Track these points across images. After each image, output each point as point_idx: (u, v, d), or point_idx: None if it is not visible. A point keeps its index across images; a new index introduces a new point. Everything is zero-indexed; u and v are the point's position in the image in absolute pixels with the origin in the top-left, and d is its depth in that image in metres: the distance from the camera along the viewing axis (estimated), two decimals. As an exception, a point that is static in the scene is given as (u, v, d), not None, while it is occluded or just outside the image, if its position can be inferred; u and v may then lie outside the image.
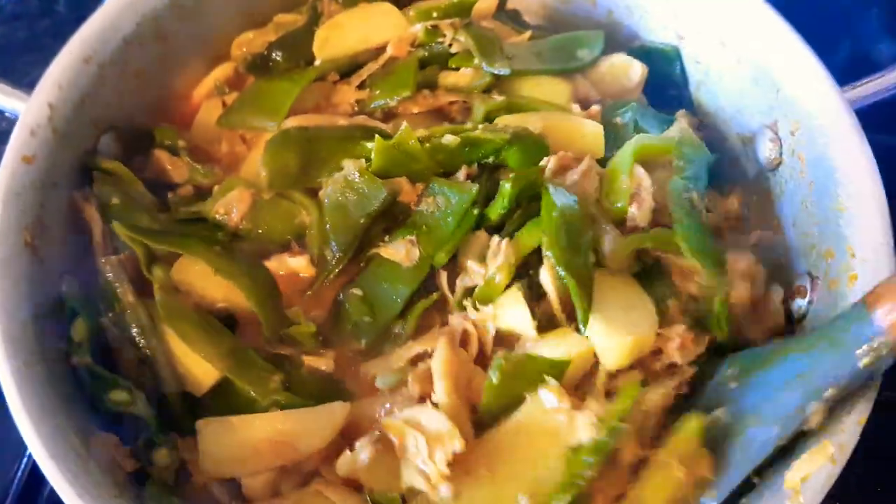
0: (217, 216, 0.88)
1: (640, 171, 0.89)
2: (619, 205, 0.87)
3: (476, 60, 0.99)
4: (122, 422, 0.80)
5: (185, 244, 0.85)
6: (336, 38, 1.03)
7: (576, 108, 0.99)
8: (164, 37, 1.01)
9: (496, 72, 0.98)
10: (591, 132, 0.94)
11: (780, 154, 0.97)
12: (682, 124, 0.99)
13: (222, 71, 1.07)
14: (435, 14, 1.02)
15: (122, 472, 0.77)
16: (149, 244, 0.85)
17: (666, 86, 1.09)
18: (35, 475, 0.97)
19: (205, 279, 0.85)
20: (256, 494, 0.78)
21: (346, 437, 0.79)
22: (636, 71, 1.06)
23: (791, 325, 0.89)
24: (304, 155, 0.91)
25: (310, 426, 0.78)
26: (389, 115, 1.00)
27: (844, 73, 0.93)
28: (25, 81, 0.93)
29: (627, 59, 1.06)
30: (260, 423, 0.78)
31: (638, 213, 0.87)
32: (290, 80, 1.00)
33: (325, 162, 0.92)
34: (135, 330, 0.82)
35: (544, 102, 0.99)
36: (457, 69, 1.01)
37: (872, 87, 0.93)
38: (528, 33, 1.08)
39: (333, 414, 0.79)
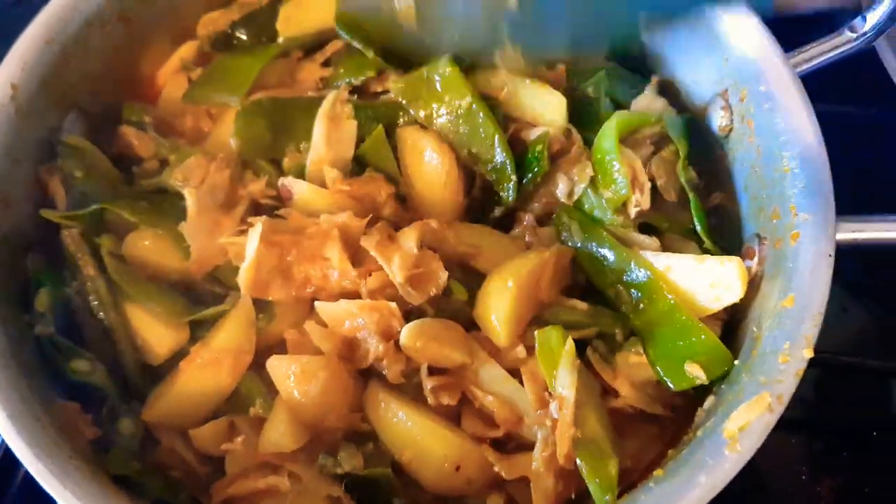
0: (176, 183, 0.90)
1: (629, 153, 0.91)
2: (622, 192, 0.89)
3: None
4: (85, 391, 0.83)
5: (135, 209, 0.87)
6: (299, 16, 1.05)
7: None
8: (128, 18, 1.03)
9: None
10: (552, 101, 0.95)
11: (731, 121, 0.99)
12: (652, 93, 1.01)
13: (187, 49, 1.09)
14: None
15: (83, 439, 0.79)
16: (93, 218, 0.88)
17: (625, 58, 1.10)
18: (8, 458, 0.98)
19: (156, 251, 0.87)
20: (206, 446, 0.81)
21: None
22: None
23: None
24: (274, 124, 0.94)
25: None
26: (354, 93, 1.02)
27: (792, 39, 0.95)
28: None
29: None
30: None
31: (642, 197, 0.90)
32: (252, 56, 1.02)
33: (293, 133, 0.94)
34: (94, 301, 0.84)
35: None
36: None
37: (817, 51, 0.95)
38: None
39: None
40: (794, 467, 1.09)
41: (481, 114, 0.91)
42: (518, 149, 0.94)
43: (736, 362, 0.83)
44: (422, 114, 0.94)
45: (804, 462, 1.08)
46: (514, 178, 0.91)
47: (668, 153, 0.96)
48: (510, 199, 0.92)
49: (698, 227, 0.92)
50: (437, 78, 0.93)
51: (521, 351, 0.85)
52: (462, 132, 0.93)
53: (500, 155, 0.91)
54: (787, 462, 1.09)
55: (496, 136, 0.91)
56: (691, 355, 0.83)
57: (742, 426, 0.72)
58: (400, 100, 0.94)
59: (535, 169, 0.91)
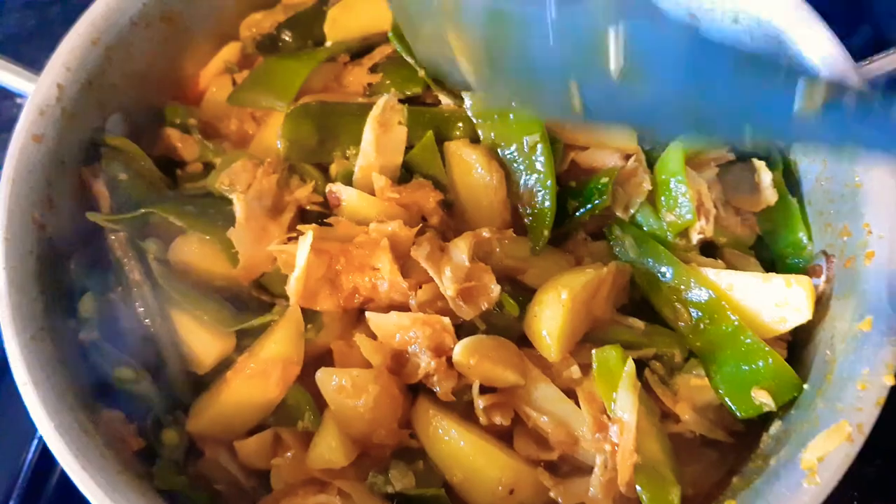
0: (222, 188, 0.88)
1: (695, 176, 0.88)
2: (686, 217, 0.86)
3: None
4: (129, 401, 0.80)
5: (182, 214, 0.85)
6: (347, 19, 1.03)
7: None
8: (171, 18, 1.01)
9: None
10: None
11: (794, 132, 0.95)
12: None
13: (230, 51, 1.07)
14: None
15: (128, 450, 0.77)
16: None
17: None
18: (45, 459, 0.97)
19: (203, 257, 0.85)
20: (252, 460, 0.78)
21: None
22: None
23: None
24: (321, 129, 0.92)
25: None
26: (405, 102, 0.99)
27: (863, 54, 0.91)
28: (37, 67, 0.93)
29: None
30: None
31: (706, 225, 0.86)
32: (299, 60, 0.99)
33: (340, 138, 0.92)
34: (140, 307, 0.82)
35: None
36: None
37: (888, 62, 0.91)
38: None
39: None
40: (845, 492, 1.05)
41: (543, 158, 0.88)
42: (573, 175, 0.91)
43: (806, 387, 0.79)
44: (489, 134, 0.91)
45: (856, 487, 1.04)
46: (547, 232, 0.87)
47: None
48: (536, 250, 0.88)
49: (802, 235, 0.89)
50: (514, 104, 0.89)
51: (575, 370, 0.82)
52: (517, 166, 0.89)
53: (545, 201, 0.88)
54: (837, 486, 1.05)
55: (549, 182, 0.87)
56: (758, 380, 0.79)
57: (821, 457, 0.68)
58: (469, 113, 0.91)
59: (596, 201, 0.87)
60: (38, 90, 0.86)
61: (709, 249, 0.91)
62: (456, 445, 0.79)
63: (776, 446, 0.76)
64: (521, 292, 0.87)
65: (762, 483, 0.71)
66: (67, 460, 0.68)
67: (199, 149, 0.96)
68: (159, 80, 1.02)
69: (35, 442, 0.98)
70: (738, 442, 0.84)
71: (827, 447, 0.69)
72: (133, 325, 0.83)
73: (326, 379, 0.79)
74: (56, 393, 0.72)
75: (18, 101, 0.96)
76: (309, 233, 0.81)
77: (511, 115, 0.89)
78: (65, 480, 0.68)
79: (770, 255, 0.94)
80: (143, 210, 0.85)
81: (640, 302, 0.90)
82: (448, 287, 0.81)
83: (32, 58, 1.10)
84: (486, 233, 0.85)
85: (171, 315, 0.83)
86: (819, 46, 0.89)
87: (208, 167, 0.95)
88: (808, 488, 0.67)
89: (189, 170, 0.96)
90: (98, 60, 0.92)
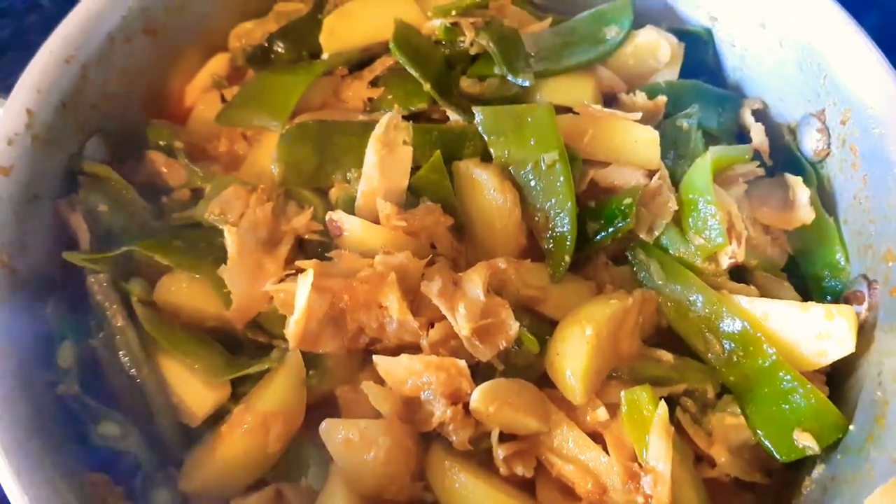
0: (212, 218, 0.80)
1: (725, 196, 0.82)
2: (717, 240, 0.79)
3: (498, 69, 0.89)
4: (115, 460, 0.74)
5: (168, 251, 0.78)
6: (345, 29, 0.95)
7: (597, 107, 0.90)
8: (154, 30, 0.93)
9: (520, 83, 0.89)
10: (644, 138, 0.84)
11: (829, 145, 0.88)
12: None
13: (218, 63, 0.99)
14: (454, 12, 0.93)
15: (114, 518, 0.70)
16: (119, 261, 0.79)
17: (697, 72, 1.00)
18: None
19: (192, 297, 0.78)
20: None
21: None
22: (665, 50, 0.95)
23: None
24: (320, 150, 0.85)
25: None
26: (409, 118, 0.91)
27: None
28: (10, 81, 0.85)
29: (654, 35, 0.95)
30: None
31: (738, 249, 0.80)
32: (295, 75, 0.92)
33: (341, 160, 0.85)
34: (124, 356, 0.75)
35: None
36: (482, 79, 0.91)
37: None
38: (548, 19, 0.99)
39: None
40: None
41: (562, 177, 0.81)
42: (592, 195, 0.85)
43: (852, 427, 0.73)
44: (503, 152, 0.83)
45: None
46: (568, 258, 0.81)
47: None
48: (556, 277, 0.81)
49: (840, 256, 0.84)
50: (529, 119, 0.82)
51: (602, 413, 0.75)
52: (533, 186, 0.82)
53: (565, 225, 0.81)
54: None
55: (568, 204, 0.80)
56: (800, 421, 0.73)
57: (881, 512, 0.62)
58: (479, 129, 0.84)
59: (619, 224, 0.81)
60: (5, 117, 0.79)
61: (738, 272, 0.85)
62: (475, 500, 0.72)
63: (823, 496, 0.70)
64: (540, 324, 0.80)
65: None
66: (46, 540, 0.61)
67: (187, 174, 0.89)
68: (142, 97, 0.95)
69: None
70: (777, 484, 0.78)
71: (887, 503, 0.63)
72: (117, 376, 0.75)
73: (332, 431, 0.72)
74: (32, 461, 0.65)
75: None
76: (310, 271, 0.74)
77: (528, 127, 0.82)
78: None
79: (801, 276, 0.88)
80: (125, 248, 0.77)
81: (666, 330, 0.83)
82: (463, 326, 0.74)
83: (7, 71, 1.03)
84: (502, 263, 0.79)
85: (159, 363, 0.76)
86: (856, 55, 0.83)
87: (196, 193, 0.88)
88: (869, 552, 0.61)
89: (176, 197, 0.88)
90: (73, 80, 0.84)
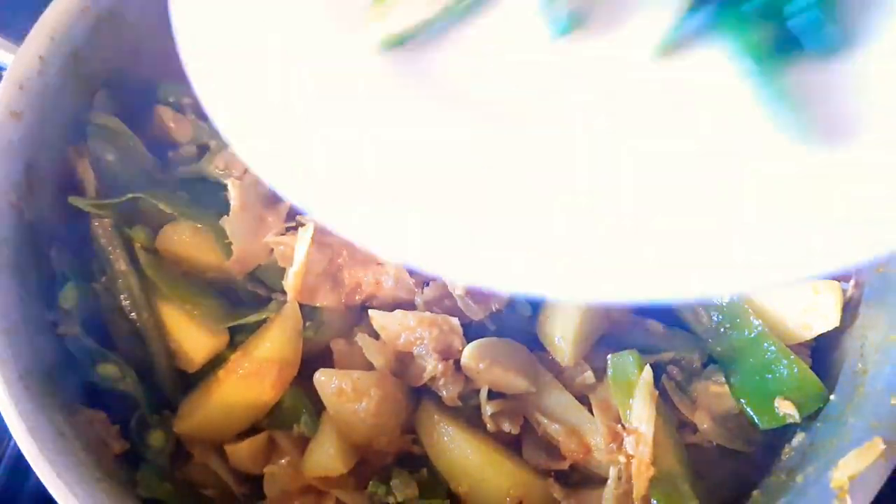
0: (217, 172, 0.82)
1: None
2: None
3: None
4: (113, 400, 0.75)
5: (172, 200, 0.79)
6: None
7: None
8: (168, -17, 0.94)
9: None
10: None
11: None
12: None
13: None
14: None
15: (109, 454, 0.72)
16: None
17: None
18: (21, 463, 0.91)
19: (194, 246, 0.79)
20: (244, 464, 0.74)
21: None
22: None
23: None
24: None
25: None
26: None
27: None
28: (17, 37, 0.86)
29: None
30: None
31: None
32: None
33: None
34: (125, 299, 0.77)
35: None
36: None
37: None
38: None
39: None
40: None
41: None
42: None
43: (832, 398, 0.75)
44: None
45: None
46: None
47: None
48: None
49: None
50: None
51: (589, 376, 0.77)
52: None
53: None
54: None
55: None
56: (781, 390, 0.75)
57: (852, 475, 0.64)
58: None
59: None
60: (17, 62, 0.80)
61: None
62: (462, 454, 0.74)
63: (802, 461, 0.72)
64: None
65: (787, 501, 0.67)
66: (41, 466, 0.62)
67: (194, 129, 0.90)
68: (153, 53, 0.96)
69: (12, 443, 0.91)
70: (758, 452, 0.79)
71: (859, 466, 0.64)
72: (117, 319, 0.77)
73: (326, 381, 0.74)
74: (31, 392, 0.66)
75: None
76: (310, 225, 0.76)
77: None
78: (40, 490, 0.62)
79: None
80: (130, 195, 0.79)
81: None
82: (457, 285, 0.76)
83: (19, 27, 1.04)
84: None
85: (159, 308, 0.78)
86: None
87: (203, 149, 0.89)
88: (839, 509, 0.63)
89: (182, 152, 0.89)
90: (86, 31, 0.85)
